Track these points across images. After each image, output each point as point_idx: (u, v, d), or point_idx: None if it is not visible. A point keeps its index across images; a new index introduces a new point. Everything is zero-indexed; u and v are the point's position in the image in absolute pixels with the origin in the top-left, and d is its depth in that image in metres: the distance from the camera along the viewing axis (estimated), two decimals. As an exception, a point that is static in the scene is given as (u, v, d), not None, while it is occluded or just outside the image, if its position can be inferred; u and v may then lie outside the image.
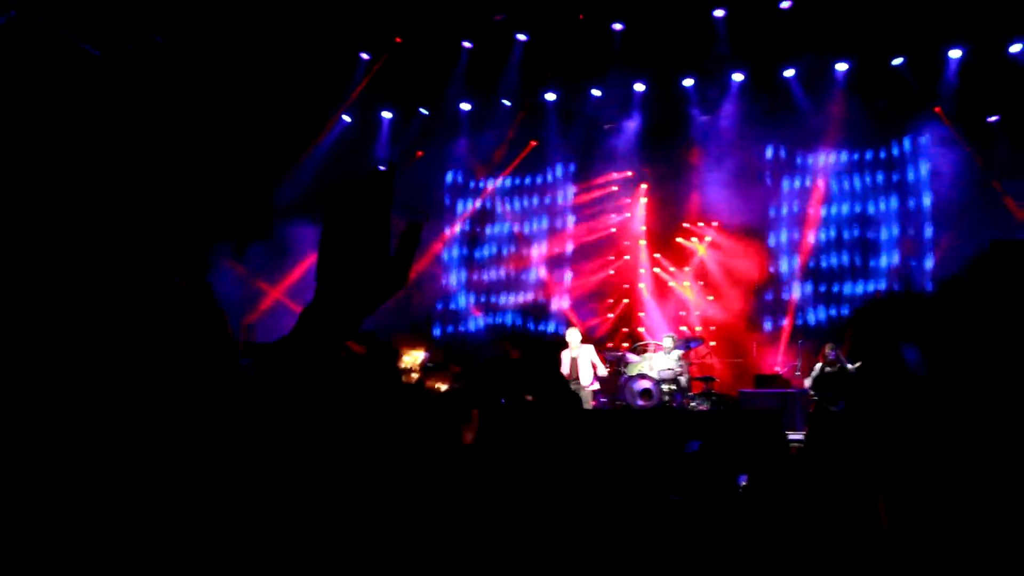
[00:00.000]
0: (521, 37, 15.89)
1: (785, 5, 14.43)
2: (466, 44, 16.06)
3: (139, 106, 12.83)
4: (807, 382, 12.41)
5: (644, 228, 16.72)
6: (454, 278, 17.53)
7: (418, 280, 16.35)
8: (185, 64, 13.19)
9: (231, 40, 13.79)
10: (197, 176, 13.32)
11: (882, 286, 14.91)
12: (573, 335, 12.65)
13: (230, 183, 14.13)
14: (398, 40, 15.82)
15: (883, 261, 15.08)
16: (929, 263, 14.70)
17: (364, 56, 16.19)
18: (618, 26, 15.39)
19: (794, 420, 11.86)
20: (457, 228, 17.76)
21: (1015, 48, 13.79)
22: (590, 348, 12.61)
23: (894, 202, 15.18)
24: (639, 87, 16.13)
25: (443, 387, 11.33)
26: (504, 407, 12.07)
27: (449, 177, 17.81)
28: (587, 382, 12.31)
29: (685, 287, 16.23)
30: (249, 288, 14.94)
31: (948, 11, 13.37)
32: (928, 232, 14.79)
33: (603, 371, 12.60)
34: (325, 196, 1.44)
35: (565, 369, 12.55)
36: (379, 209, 1.46)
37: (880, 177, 15.32)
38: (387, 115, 17.07)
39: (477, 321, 17.21)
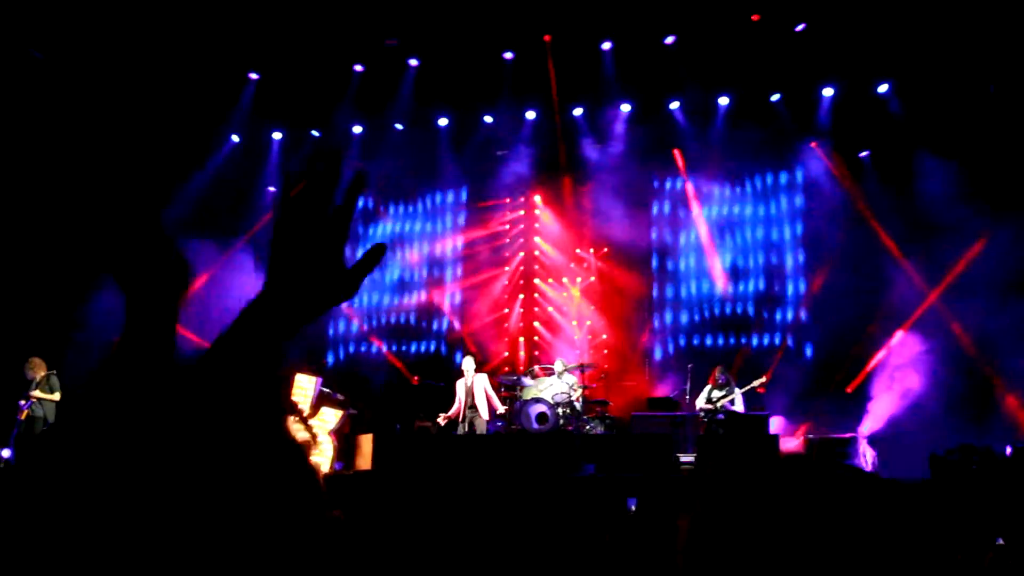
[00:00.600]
0: (413, 62, 15.91)
1: (669, 40, 14.95)
2: (357, 67, 15.95)
3: (20, 122, 12.23)
4: (698, 404, 12.76)
5: (537, 254, 16.92)
6: (347, 303, 17.26)
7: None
8: (68, 79, 12.67)
9: (117, 55, 13.33)
10: (82, 193, 12.74)
11: (772, 312, 15.52)
12: (468, 363, 12.71)
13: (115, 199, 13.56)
14: (288, 61, 15.60)
15: (765, 287, 15.72)
16: (802, 288, 15.42)
17: (253, 76, 15.89)
18: (509, 55, 15.61)
19: (685, 442, 12.15)
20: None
21: (882, 88, 14.65)
22: (484, 377, 12.69)
23: (774, 231, 15.85)
24: (530, 115, 16.37)
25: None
26: (399, 433, 11.95)
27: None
28: (483, 410, 12.37)
29: (576, 310, 16.47)
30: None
31: (821, 52, 14.11)
32: (800, 259, 15.51)
33: (500, 408, 12.68)
34: (284, 183, 1.35)
35: (460, 397, 12.57)
36: (343, 212, 1.38)
37: (761, 207, 15.97)
38: (277, 136, 16.77)
39: (371, 346, 17.01)
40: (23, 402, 11.20)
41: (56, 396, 11.28)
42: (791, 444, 12.06)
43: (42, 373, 11.34)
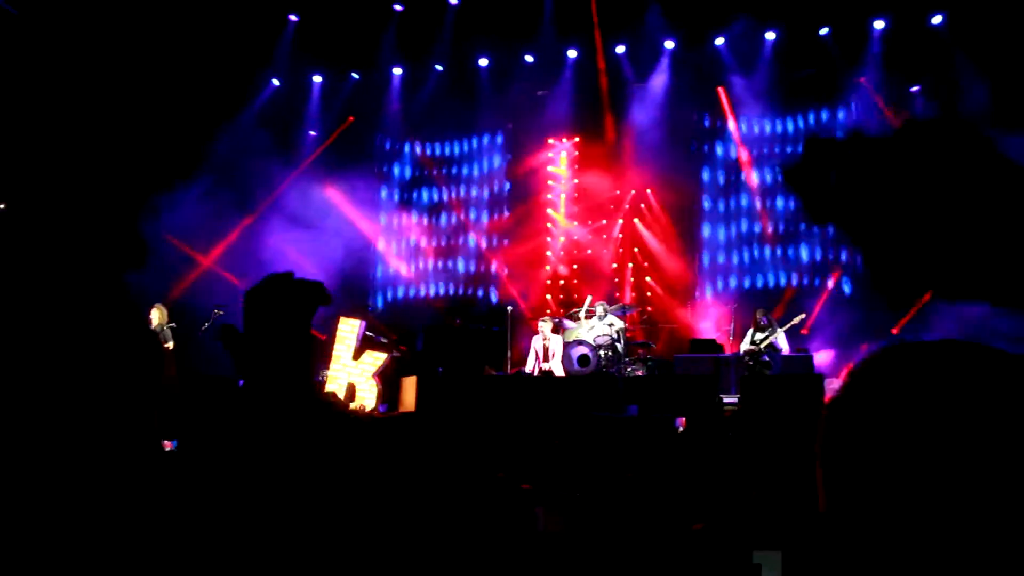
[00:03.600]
0: (453, 1, 15.68)
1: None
2: (397, 7, 15.78)
3: (61, 61, 12.34)
4: (741, 348, 12.67)
5: (576, 195, 16.76)
6: (389, 246, 17.34)
7: (355, 249, 16.15)
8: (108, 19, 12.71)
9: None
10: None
11: (813, 253, 15.29)
12: (545, 324, 12.62)
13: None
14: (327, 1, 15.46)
15: (812, 228, 15.41)
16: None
17: (292, 18, 15.78)
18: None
19: (728, 384, 12.10)
20: (390, 195, 17.57)
21: (936, 19, 14.16)
22: (559, 339, 12.60)
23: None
24: (572, 53, 16.12)
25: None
26: (442, 375, 11.98)
27: (382, 143, 17.55)
28: (558, 371, 12.30)
29: (618, 253, 16.35)
30: (176, 255, 14.41)
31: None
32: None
33: (560, 371, 12.54)
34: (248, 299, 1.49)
35: (537, 353, 12.47)
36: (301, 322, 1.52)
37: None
38: (317, 79, 16.72)
39: (413, 289, 17.09)
40: None
41: (169, 345, 11.51)
42: (837, 385, 11.94)
43: (158, 322, 11.56)
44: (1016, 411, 0.89)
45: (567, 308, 15.17)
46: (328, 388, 11.62)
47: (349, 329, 12.06)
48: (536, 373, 12.33)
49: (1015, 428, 0.88)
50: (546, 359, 12.38)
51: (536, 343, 12.56)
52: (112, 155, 13.65)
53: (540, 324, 12.67)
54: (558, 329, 13.37)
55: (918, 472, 0.89)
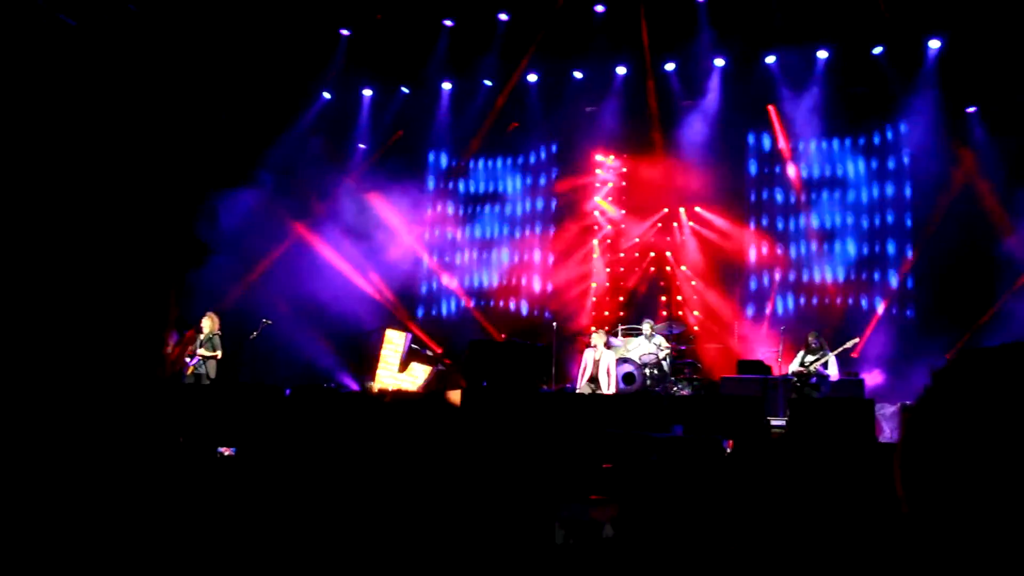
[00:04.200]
0: (503, 17, 15.75)
1: (767, -9, 14.45)
2: (447, 23, 15.89)
3: (116, 75, 12.55)
4: (790, 369, 12.50)
5: (624, 211, 16.69)
6: (436, 260, 17.40)
7: (402, 262, 16.25)
8: (164, 34, 12.92)
9: (211, 10, 13.53)
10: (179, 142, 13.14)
11: (865, 275, 15.06)
12: (598, 337, 12.59)
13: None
14: (378, 17, 15.61)
15: (865, 249, 15.19)
16: (899, 250, 14.90)
17: (344, 32, 15.96)
18: (600, 8, 15.31)
19: (776, 406, 11.93)
20: (438, 209, 17.64)
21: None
22: (612, 354, 12.54)
23: (875, 190, 15.29)
24: (621, 70, 16.08)
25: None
26: (486, 389, 11.95)
27: (430, 157, 17.66)
28: (606, 386, 12.25)
29: (666, 272, 16.25)
30: (230, 262, 14.56)
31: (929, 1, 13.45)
32: (901, 220, 14.95)
33: (611, 388, 12.49)
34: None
35: (588, 369, 12.44)
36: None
37: (861, 165, 15.42)
38: (367, 93, 16.88)
39: (460, 303, 17.12)
40: (189, 359, 11.68)
41: (218, 354, 11.84)
42: (888, 409, 11.72)
43: (208, 331, 11.83)
44: None
45: (613, 325, 15.09)
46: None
47: (396, 340, 12.11)
48: (584, 386, 12.26)
49: None
50: (595, 372, 12.30)
51: (587, 356, 12.49)
52: (171, 161, 13.86)
53: (593, 337, 12.61)
54: (608, 344, 13.31)
55: (999, 472, 0.91)
